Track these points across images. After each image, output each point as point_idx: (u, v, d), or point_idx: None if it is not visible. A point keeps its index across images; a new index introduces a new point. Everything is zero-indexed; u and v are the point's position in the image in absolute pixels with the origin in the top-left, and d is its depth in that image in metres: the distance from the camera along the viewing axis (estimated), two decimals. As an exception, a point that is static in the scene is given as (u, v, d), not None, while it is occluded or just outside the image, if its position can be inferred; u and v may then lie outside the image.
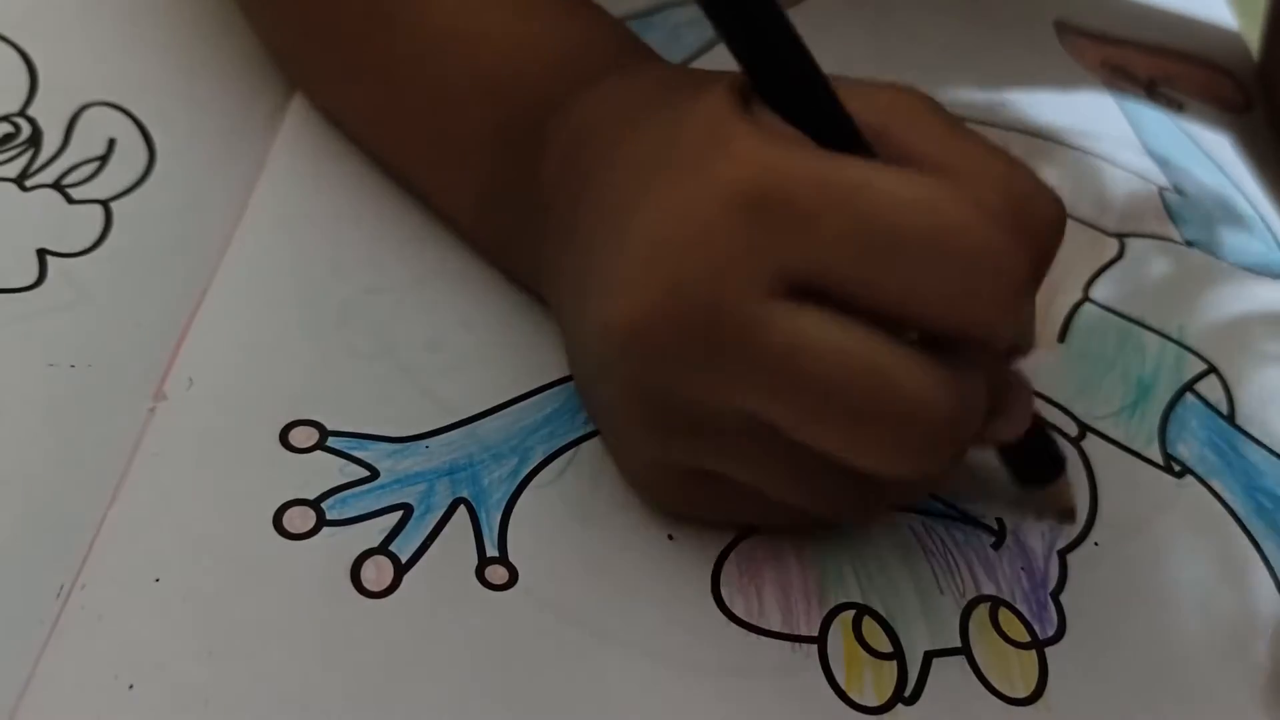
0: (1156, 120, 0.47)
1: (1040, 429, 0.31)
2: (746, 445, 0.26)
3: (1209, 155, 0.46)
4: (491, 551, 0.29)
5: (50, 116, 0.36)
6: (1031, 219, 0.25)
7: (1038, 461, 0.32)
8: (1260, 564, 0.33)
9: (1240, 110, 0.50)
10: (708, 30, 0.44)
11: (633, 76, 0.30)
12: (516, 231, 0.32)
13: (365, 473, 0.29)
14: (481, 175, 0.32)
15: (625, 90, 0.29)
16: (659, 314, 0.24)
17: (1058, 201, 0.25)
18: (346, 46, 0.34)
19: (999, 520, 0.32)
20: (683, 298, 0.24)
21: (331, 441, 0.30)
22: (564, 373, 0.32)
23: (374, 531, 0.28)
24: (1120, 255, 0.40)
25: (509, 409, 0.32)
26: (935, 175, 0.24)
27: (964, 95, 0.45)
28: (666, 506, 0.30)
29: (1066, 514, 0.33)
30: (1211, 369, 0.37)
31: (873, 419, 0.23)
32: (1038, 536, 0.32)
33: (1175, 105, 0.48)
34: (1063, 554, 0.32)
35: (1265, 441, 0.36)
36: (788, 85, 0.25)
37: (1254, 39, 0.53)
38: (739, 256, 0.23)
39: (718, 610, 0.29)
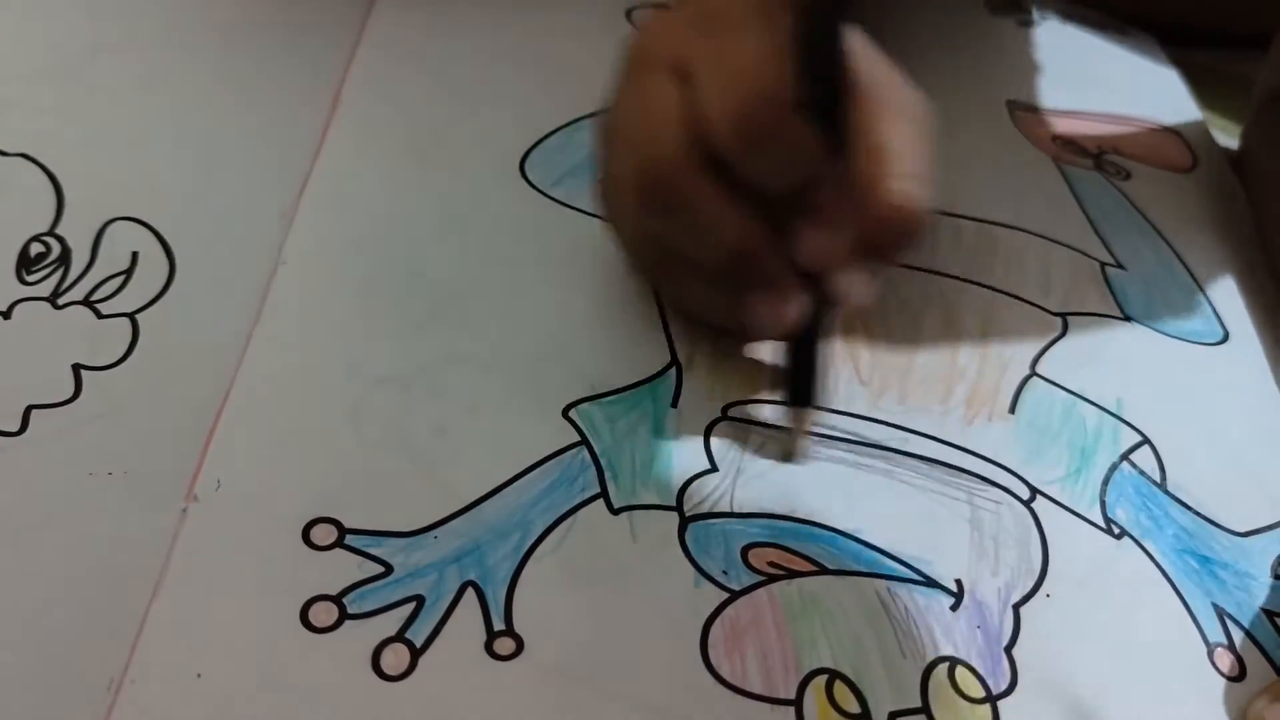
0: (1102, 193, 0.50)
1: (810, 356, 0.37)
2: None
3: (1152, 223, 0.49)
4: (499, 625, 0.32)
5: (77, 234, 0.39)
6: None
7: (800, 384, 0.37)
8: (1189, 619, 0.36)
9: (1186, 170, 0.52)
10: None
11: None
12: None
13: (380, 568, 0.32)
14: None
15: None
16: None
17: None
18: None
19: (958, 582, 0.35)
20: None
21: (349, 539, 0.33)
22: (560, 445, 0.36)
23: (391, 622, 0.31)
24: (1063, 333, 0.43)
25: (510, 487, 0.35)
26: None
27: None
28: (641, 269, 0.40)
29: (789, 450, 0.37)
30: (1145, 440, 0.40)
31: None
32: (993, 593, 0.35)
33: (1123, 174, 0.51)
34: (1016, 607, 0.35)
35: (1193, 506, 0.39)
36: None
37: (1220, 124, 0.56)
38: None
39: (706, 672, 0.32)
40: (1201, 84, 0.58)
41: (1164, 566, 0.37)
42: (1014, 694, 0.33)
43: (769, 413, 0.38)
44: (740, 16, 0.34)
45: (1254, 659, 0.36)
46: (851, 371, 0.40)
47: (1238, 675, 0.35)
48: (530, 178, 0.44)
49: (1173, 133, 0.55)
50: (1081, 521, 0.37)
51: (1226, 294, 0.47)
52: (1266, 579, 0.37)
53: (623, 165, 0.36)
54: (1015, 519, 0.37)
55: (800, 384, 0.37)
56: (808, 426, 0.37)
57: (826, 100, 0.34)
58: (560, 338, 0.39)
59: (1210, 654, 0.35)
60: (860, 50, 0.36)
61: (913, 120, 0.36)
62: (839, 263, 0.35)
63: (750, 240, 0.35)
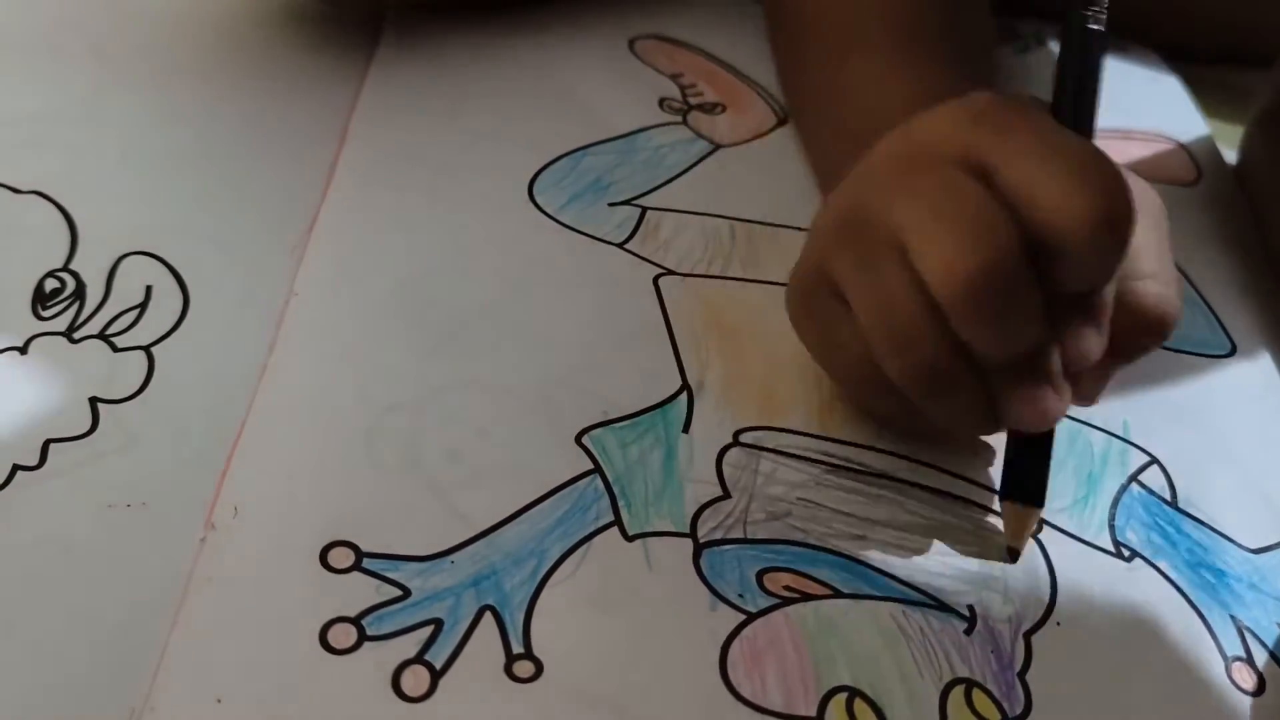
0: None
1: (1046, 452, 0.37)
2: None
3: None
4: (517, 648, 0.32)
5: (91, 269, 0.40)
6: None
7: (1027, 477, 0.37)
8: (1207, 634, 0.36)
9: (1190, 183, 0.53)
10: (687, 154, 0.48)
11: None
12: None
13: (398, 592, 0.33)
14: None
15: None
16: None
17: None
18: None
19: (970, 608, 0.35)
20: None
21: (367, 563, 0.33)
22: (573, 474, 0.36)
23: (410, 643, 0.31)
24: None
25: (525, 514, 0.35)
26: None
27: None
28: (801, 316, 0.38)
29: (1011, 548, 0.37)
30: (1153, 460, 0.40)
31: None
32: (1004, 621, 0.35)
33: None
34: (1027, 635, 0.35)
35: (1206, 521, 0.39)
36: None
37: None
38: None
39: (727, 691, 0.32)
40: (1204, 93, 0.58)
41: (1179, 583, 0.37)
42: (1030, 717, 0.33)
43: (784, 441, 0.39)
44: (1021, 112, 0.34)
45: (1274, 674, 0.36)
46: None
47: (1257, 689, 0.35)
48: (539, 203, 0.45)
49: (1176, 145, 0.55)
50: (1090, 549, 0.38)
51: (1233, 306, 0.47)
52: (1280, 594, 0.38)
53: (941, 263, 0.32)
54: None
55: (1034, 481, 0.37)
56: (1033, 527, 0.37)
57: None
58: (571, 362, 0.39)
59: (1229, 669, 0.35)
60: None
61: (1157, 221, 0.36)
62: (1103, 365, 0.35)
63: (1045, 336, 0.34)
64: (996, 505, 0.38)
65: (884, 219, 0.34)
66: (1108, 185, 0.32)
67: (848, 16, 0.47)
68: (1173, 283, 0.36)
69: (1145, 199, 0.36)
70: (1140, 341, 0.36)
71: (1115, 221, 0.32)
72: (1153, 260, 0.36)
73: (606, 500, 0.36)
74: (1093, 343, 0.34)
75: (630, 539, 0.35)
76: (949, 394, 0.35)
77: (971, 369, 0.34)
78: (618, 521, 0.35)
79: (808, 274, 0.37)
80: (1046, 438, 0.37)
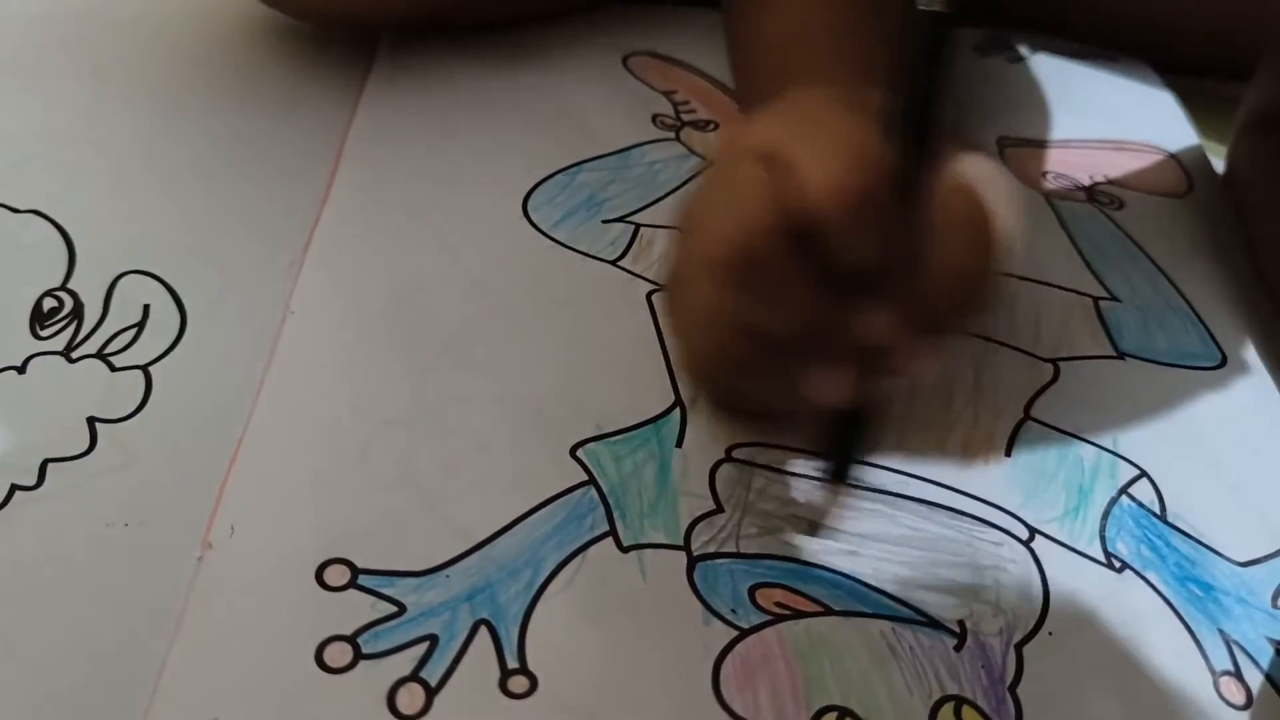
0: (1095, 226, 0.50)
1: (857, 432, 0.37)
2: None
3: (1146, 252, 0.50)
4: (512, 663, 0.32)
5: (89, 288, 0.40)
6: None
7: (839, 461, 0.37)
8: (1195, 649, 0.36)
9: (1181, 195, 0.53)
10: (680, 170, 0.48)
11: None
12: None
13: (394, 608, 0.33)
14: None
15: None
16: None
17: None
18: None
19: (960, 623, 0.35)
20: None
21: (362, 580, 0.33)
22: (568, 484, 0.37)
23: (405, 661, 0.32)
24: (1055, 378, 0.43)
25: (519, 525, 0.35)
26: None
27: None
28: (702, 358, 0.37)
29: (814, 524, 0.37)
30: (1143, 474, 0.41)
31: None
32: (995, 634, 0.35)
33: (1116, 204, 0.51)
34: (1019, 647, 0.35)
35: (1194, 535, 0.39)
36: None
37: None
38: None
39: (720, 708, 0.32)
40: (1194, 105, 0.59)
41: (1168, 596, 0.37)
42: (1021, 731, 0.33)
43: (776, 456, 0.39)
44: (828, 108, 0.35)
45: (1260, 687, 0.36)
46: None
47: (1244, 704, 0.35)
48: (533, 220, 0.45)
49: (1168, 157, 0.55)
50: (1082, 558, 0.38)
51: (1223, 317, 0.47)
52: (1268, 609, 0.38)
53: (708, 242, 0.34)
54: (1015, 559, 0.37)
55: (839, 461, 0.37)
56: (838, 504, 0.37)
57: (914, 175, 0.34)
58: (565, 377, 0.40)
59: (1216, 683, 0.36)
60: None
61: (991, 210, 0.36)
62: (899, 339, 0.35)
63: (822, 311, 0.34)
64: (989, 517, 0.38)
65: (683, 209, 0.36)
66: (857, 162, 0.32)
67: (797, 50, 0.47)
68: (990, 267, 0.35)
69: (978, 173, 0.36)
70: (944, 317, 0.35)
71: (858, 195, 0.32)
72: (964, 240, 0.35)
73: (601, 510, 0.36)
74: (877, 319, 0.34)
75: (625, 550, 0.35)
76: (748, 372, 0.35)
77: (766, 348, 0.34)
78: (613, 532, 0.36)
79: (663, 270, 0.38)
80: (855, 423, 0.37)
